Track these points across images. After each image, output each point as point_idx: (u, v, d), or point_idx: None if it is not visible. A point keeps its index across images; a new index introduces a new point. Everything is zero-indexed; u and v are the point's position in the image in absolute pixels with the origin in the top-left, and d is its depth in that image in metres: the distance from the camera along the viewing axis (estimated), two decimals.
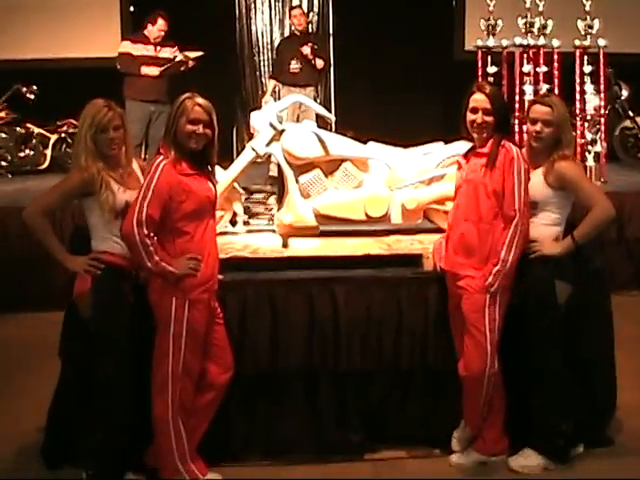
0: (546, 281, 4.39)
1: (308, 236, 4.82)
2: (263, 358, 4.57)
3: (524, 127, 5.05)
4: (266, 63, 12.38)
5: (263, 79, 12.36)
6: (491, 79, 8.41)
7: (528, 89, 8.27)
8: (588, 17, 8.31)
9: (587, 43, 8.31)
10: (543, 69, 8.36)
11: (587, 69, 8.32)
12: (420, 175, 4.87)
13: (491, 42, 8.46)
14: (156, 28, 9.13)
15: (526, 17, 8.32)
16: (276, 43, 11.77)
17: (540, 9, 8.36)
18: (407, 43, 11.61)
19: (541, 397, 4.48)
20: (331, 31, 12.21)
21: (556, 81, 8.34)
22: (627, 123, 10.18)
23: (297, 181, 4.80)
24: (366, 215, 4.80)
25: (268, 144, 4.77)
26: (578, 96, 8.37)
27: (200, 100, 4.26)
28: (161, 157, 4.21)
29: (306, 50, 9.54)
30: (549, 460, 4.51)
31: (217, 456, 4.51)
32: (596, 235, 4.48)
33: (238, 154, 5.05)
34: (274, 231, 4.93)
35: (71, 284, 4.40)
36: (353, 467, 4.63)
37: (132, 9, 11.45)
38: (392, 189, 4.87)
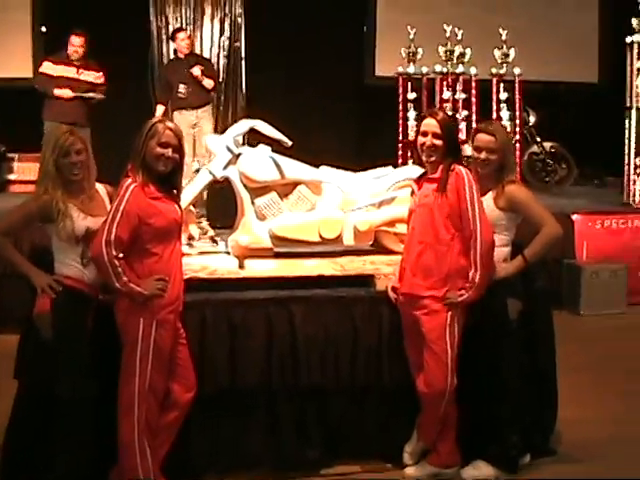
0: (499, 299, 4.61)
1: (263, 257, 4.92)
2: (223, 377, 4.65)
3: None
4: None
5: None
6: (411, 105, 8.67)
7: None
8: (504, 46, 8.65)
9: (503, 71, 8.66)
10: (462, 96, 8.67)
11: (503, 96, 8.66)
12: (371, 198, 5.02)
13: (411, 69, 8.72)
14: (72, 47, 9.08)
15: (446, 45, 8.61)
16: None
17: (459, 37, 8.67)
18: (319, 67, 11.79)
19: (495, 410, 4.67)
20: (243, 54, 12.29)
21: (474, 107, 8.67)
22: (535, 148, 10.62)
23: (253, 203, 4.90)
24: (320, 237, 4.94)
25: (225, 167, 4.86)
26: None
27: (170, 124, 4.35)
28: (129, 180, 4.26)
29: (196, 71, 9.47)
30: (500, 470, 4.71)
31: (179, 474, 4.55)
32: (545, 254, 4.73)
33: None
34: (228, 253, 5.00)
35: (25, 306, 4.41)
36: None
37: (44, 29, 11.34)
38: (345, 211, 5.01)
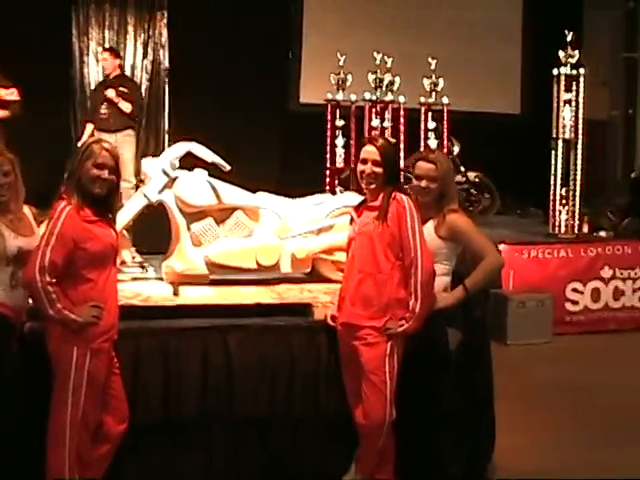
0: (439, 328, 4.57)
1: (198, 284, 4.81)
2: (156, 406, 4.53)
3: None
4: None
5: None
6: (339, 132, 8.66)
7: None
8: (433, 75, 8.73)
9: (432, 100, 8.73)
10: (389, 124, 8.70)
11: (431, 125, 8.72)
12: (309, 225, 4.96)
13: (340, 96, 8.72)
14: None
15: (376, 73, 8.64)
16: None
17: (388, 65, 8.70)
18: (244, 93, 11.72)
19: (435, 440, 4.63)
20: (166, 79, 12.16)
21: (402, 136, 8.71)
22: (459, 177, 10.69)
23: (189, 229, 4.79)
24: (257, 264, 4.85)
25: (160, 191, 4.74)
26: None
27: (107, 145, 4.23)
28: (64, 202, 4.12)
29: (110, 93, 9.34)
30: None
31: None
32: (486, 284, 4.73)
33: None
34: (161, 279, 4.87)
35: None
36: None
37: None
38: (282, 238, 4.94)
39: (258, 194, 5.16)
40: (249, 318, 4.75)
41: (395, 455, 4.66)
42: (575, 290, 8.60)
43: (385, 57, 8.73)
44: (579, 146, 8.84)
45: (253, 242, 4.85)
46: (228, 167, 4.82)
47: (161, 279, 4.85)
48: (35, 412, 4.21)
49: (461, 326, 4.67)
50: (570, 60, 8.80)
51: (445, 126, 8.66)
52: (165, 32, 12.27)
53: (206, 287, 4.83)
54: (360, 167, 4.56)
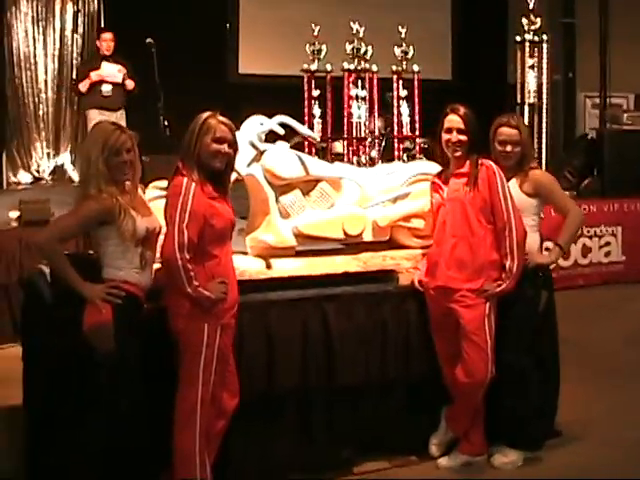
0: (532, 289, 4.76)
1: (286, 256, 4.81)
2: (259, 382, 4.56)
3: None
4: (30, 85, 11.77)
5: (26, 100, 11.75)
6: (313, 102, 8.70)
7: (356, 112, 8.65)
8: (404, 44, 8.84)
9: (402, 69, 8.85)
10: (363, 93, 8.78)
11: (403, 93, 8.83)
12: (386, 194, 5.03)
13: (315, 66, 8.75)
14: None
15: (353, 43, 8.69)
16: (40, 65, 11.68)
17: (360, 35, 8.77)
18: (181, 65, 11.54)
19: (518, 397, 4.81)
20: None
21: (375, 105, 8.81)
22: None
23: (277, 201, 4.78)
24: (344, 233, 4.88)
25: (249, 164, 4.71)
26: (396, 119, 8.87)
27: (223, 118, 4.18)
28: (186, 179, 4.06)
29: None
30: (526, 452, 4.87)
31: None
32: (575, 239, 4.94)
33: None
34: (244, 253, 4.84)
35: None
36: None
37: None
38: (363, 208, 4.98)
39: (336, 164, 5.19)
40: (339, 287, 4.81)
41: (484, 412, 4.83)
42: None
43: (357, 25, 8.75)
44: (544, 110, 9.13)
45: (340, 212, 4.87)
46: (318, 139, 4.82)
47: (244, 253, 4.80)
48: (156, 395, 4.15)
49: (549, 287, 4.87)
50: (533, 27, 9.07)
51: (416, 94, 8.76)
52: (96, 4, 11.96)
53: (293, 259, 4.83)
54: (445, 136, 4.70)
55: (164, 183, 4.49)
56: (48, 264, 4.13)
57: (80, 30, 12.03)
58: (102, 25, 11.80)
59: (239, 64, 12.30)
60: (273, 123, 4.72)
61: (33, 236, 4.08)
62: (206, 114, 4.18)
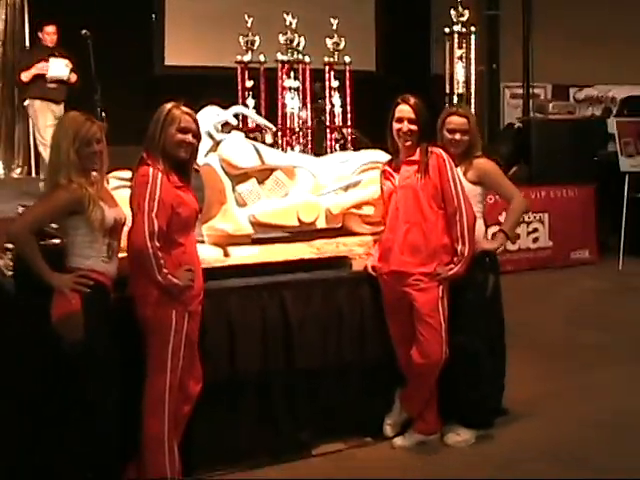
0: (481, 273, 4.94)
1: (242, 244, 4.90)
2: (224, 365, 4.63)
3: None
4: None
5: None
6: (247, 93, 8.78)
7: (290, 103, 8.75)
8: (336, 35, 8.98)
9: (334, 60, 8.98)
10: (295, 84, 8.88)
11: (335, 84, 8.98)
12: (339, 182, 5.15)
13: (248, 57, 8.83)
14: None
15: (286, 34, 8.78)
16: None
17: (293, 27, 8.87)
18: (107, 58, 11.42)
19: (470, 377, 4.99)
20: (27, 43, 11.68)
21: (308, 96, 8.93)
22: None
23: (234, 190, 4.87)
24: (299, 221, 4.99)
25: (206, 154, 4.78)
26: (328, 108, 9.01)
27: (186, 109, 4.25)
28: (151, 168, 4.12)
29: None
30: (478, 431, 5.05)
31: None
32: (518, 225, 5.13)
33: None
34: (201, 242, 4.91)
35: None
36: (308, 464, 4.84)
37: None
38: (316, 195, 5.10)
39: (290, 154, 5.28)
40: (296, 274, 4.93)
41: (437, 392, 5.00)
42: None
43: (290, 17, 8.84)
44: (472, 100, 9.38)
45: (295, 200, 4.98)
46: (274, 128, 4.91)
47: (201, 242, 4.87)
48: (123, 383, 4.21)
49: (496, 271, 5.06)
50: (461, 19, 9.30)
51: (347, 85, 8.91)
52: None
53: (249, 247, 4.92)
54: (396, 125, 4.84)
55: (124, 173, 4.54)
56: (19, 253, 4.12)
57: (2, 16, 11.84)
58: (25, 16, 11.65)
59: (165, 56, 12.24)
60: (229, 114, 4.79)
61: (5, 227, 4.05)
62: (170, 104, 4.25)
